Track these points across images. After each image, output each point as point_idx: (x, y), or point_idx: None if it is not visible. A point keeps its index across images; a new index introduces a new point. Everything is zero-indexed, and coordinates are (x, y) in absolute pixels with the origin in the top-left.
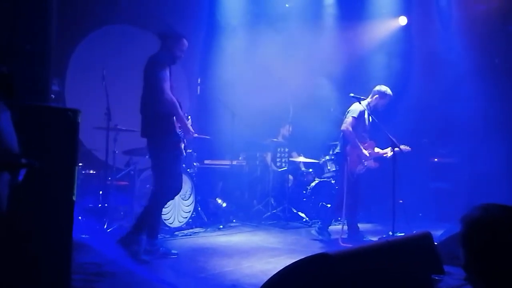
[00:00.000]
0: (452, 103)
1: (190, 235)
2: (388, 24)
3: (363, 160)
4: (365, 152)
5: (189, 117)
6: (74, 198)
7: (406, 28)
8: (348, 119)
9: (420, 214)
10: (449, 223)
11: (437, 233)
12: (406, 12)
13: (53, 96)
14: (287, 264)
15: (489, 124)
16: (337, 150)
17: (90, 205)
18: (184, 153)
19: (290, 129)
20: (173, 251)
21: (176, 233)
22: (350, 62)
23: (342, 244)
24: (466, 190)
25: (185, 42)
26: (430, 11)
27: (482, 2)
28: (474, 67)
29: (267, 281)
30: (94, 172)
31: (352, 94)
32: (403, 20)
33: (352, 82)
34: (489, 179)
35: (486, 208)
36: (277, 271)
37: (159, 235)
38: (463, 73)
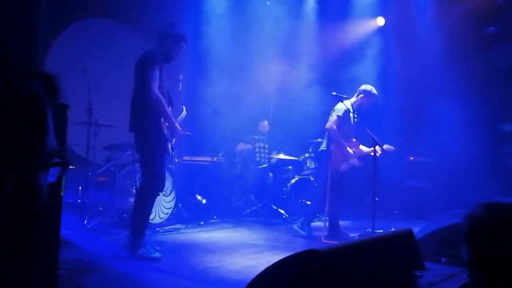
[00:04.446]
0: (428, 102)
1: (172, 231)
2: (366, 24)
3: (348, 158)
4: (350, 150)
5: (184, 107)
6: (62, 194)
7: (384, 28)
8: (333, 117)
9: (396, 212)
10: (424, 221)
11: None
12: (384, 13)
13: None
14: (270, 260)
15: (464, 123)
16: (322, 147)
17: (70, 201)
18: (172, 152)
19: (267, 124)
20: (156, 254)
21: (157, 229)
22: (330, 61)
23: (325, 241)
24: (441, 188)
25: (184, 45)
26: (408, 12)
27: (460, 3)
28: (450, 67)
29: (255, 277)
30: (74, 167)
31: (334, 93)
32: (381, 21)
33: (332, 81)
34: (463, 177)
35: (489, 206)
36: (260, 267)
37: (144, 234)
38: (440, 73)
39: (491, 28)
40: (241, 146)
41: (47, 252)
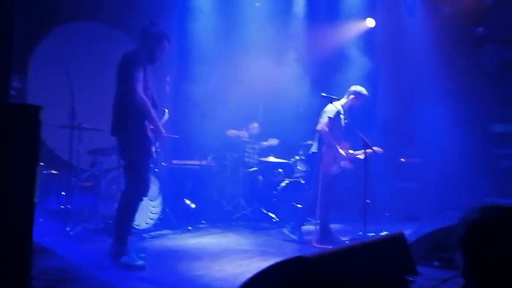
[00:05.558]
0: (418, 103)
1: (158, 237)
2: (356, 26)
3: (340, 161)
4: (342, 151)
5: (166, 110)
6: (35, 201)
7: (373, 30)
8: (324, 119)
9: (387, 214)
10: (415, 223)
11: (405, 233)
12: (373, 14)
13: (13, 92)
14: (259, 267)
15: (455, 124)
16: (313, 150)
17: (53, 207)
18: (155, 155)
19: (257, 126)
20: (139, 261)
21: (144, 235)
22: (320, 62)
23: (316, 245)
24: (433, 189)
25: (167, 44)
26: (398, 14)
27: (448, 4)
28: (440, 68)
29: (241, 285)
30: (57, 172)
31: (323, 94)
32: (370, 22)
33: (322, 82)
34: (454, 178)
35: (485, 209)
36: (249, 274)
37: (127, 241)
38: (430, 74)
39: (480, 28)
40: (232, 132)
41: (19, 263)
